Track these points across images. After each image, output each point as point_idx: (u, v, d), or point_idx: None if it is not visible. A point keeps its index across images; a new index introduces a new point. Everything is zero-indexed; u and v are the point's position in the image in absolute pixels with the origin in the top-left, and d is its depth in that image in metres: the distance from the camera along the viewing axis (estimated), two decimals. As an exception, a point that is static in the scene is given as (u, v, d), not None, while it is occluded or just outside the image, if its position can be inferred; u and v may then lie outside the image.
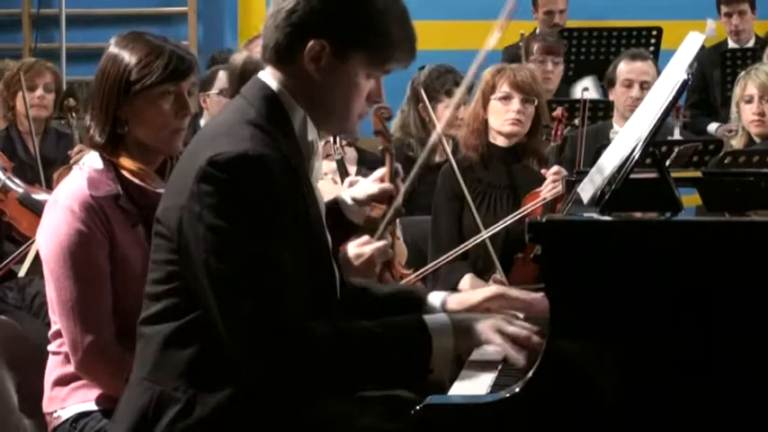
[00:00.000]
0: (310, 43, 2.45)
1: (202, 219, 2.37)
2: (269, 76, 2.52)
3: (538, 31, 7.64)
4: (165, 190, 2.57)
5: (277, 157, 2.40)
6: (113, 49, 2.98)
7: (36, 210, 4.89)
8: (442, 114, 5.24)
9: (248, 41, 3.29)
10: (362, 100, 2.53)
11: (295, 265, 2.39)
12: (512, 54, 7.29)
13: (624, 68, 5.79)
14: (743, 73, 5.62)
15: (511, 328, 2.51)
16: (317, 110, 2.52)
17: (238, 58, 3.40)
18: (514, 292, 2.72)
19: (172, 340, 2.46)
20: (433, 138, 3.70)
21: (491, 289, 2.76)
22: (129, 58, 2.94)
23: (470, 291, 2.83)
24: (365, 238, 3.36)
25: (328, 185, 3.83)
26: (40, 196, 4.92)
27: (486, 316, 2.58)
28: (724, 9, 7.51)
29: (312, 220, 2.48)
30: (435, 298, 2.72)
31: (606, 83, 5.98)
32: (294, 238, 2.40)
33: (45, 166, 5.77)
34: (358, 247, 3.28)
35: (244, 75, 3.29)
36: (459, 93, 3.75)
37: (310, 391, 2.43)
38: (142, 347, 2.53)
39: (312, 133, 2.53)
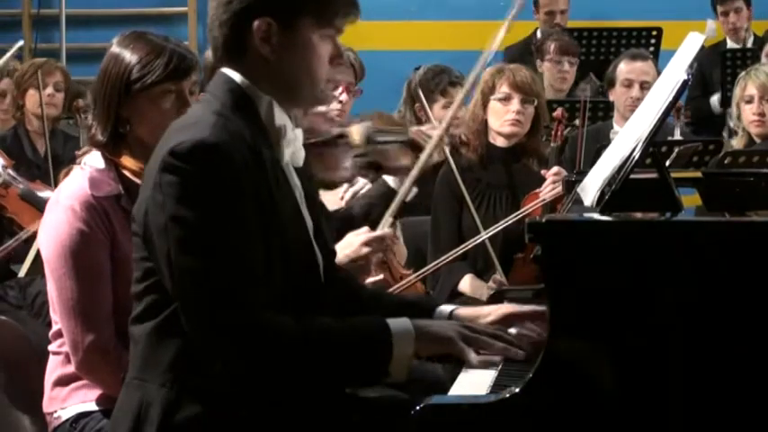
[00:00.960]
0: (256, 24, 2.46)
1: (165, 209, 2.38)
2: (231, 71, 2.53)
3: (539, 31, 7.65)
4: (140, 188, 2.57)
5: (238, 144, 2.40)
6: (115, 48, 2.99)
7: (37, 205, 4.92)
8: (438, 114, 5.24)
9: None
10: (325, 64, 2.53)
11: (260, 252, 2.39)
12: (514, 54, 7.30)
13: (624, 68, 5.78)
14: (743, 73, 5.62)
15: (473, 335, 2.53)
16: (284, 90, 2.52)
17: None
18: (520, 312, 2.72)
19: (155, 337, 2.47)
20: (435, 136, 3.68)
21: (502, 310, 2.75)
22: (130, 57, 2.95)
23: (481, 308, 2.82)
24: (364, 228, 3.35)
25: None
26: (42, 193, 4.95)
27: (448, 323, 2.60)
28: (720, 9, 7.52)
29: (280, 205, 2.47)
30: (444, 310, 2.73)
31: (606, 83, 5.99)
32: (258, 225, 2.40)
33: (53, 166, 5.77)
34: (353, 237, 3.27)
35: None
36: (461, 93, 3.71)
37: (269, 385, 2.42)
38: (132, 348, 2.54)
39: (280, 119, 2.52)
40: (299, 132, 2.59)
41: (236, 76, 2.51)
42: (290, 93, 2.53)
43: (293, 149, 2.57)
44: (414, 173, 3.57)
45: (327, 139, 3.42)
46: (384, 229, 3.39)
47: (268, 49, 2.48)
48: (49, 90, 6.12)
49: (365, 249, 3.25)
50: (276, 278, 2.43)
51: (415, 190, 3.68)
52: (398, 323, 2.46)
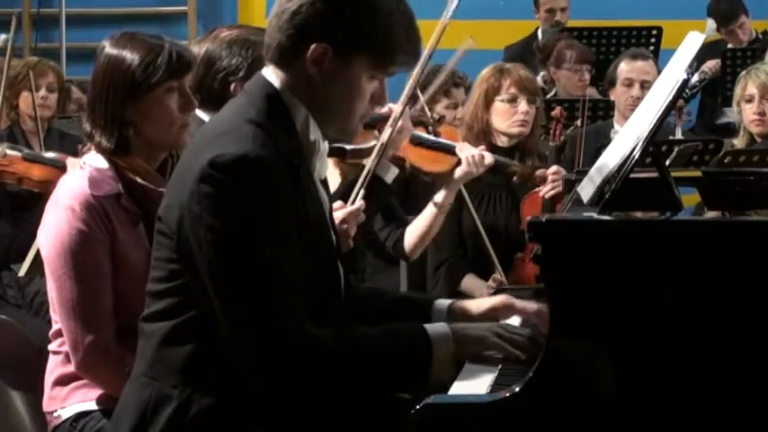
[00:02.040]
0: (313, 46, 2.44)
1: (203, 220, 2.37)
2: (272, 75, 2.51)
3: (540, 30, 7.65)
4: (166, 188, 2.57)
5: (277, 158, 2.39)
6: (110, 51, 2.96)
7: (43, 162, 4.99)
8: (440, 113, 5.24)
9: (205, 35, 3.29)
10: (365, 102, 2.51)
11: (297, 266, 2.39)
12: (514, 53, 7.31)
13: (625, 68, 5.78)
14: (743, 73, 5.62)
15: (507, 334, 2.55)
16: (320, 111, 2.51)
17: (195, 49, 3.40)
18: (519, 303, 2.74)
19: (170, 337, 2.47)
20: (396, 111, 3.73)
21: (498, 299, 2.77)
22: (129, 59, 2.93)
23: (476, 300, 2.84)
24: (338, 203, 3.39)
25: None
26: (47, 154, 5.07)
27: (484, 324, 2.61)
28: (724, 30, 7.51)
29: (313, 220, 2.48)
30: (441, 305, 2.74)
31: (606, 83, 5.98)
32: (295, 240, 2.40)
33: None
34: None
35: (209, 63, 3.32)
36: (405, 94, 3.72)
37: (310, 395, 2.43)
38: (143, 344, 2.54)
39: (314, 133, 2.52)
40: (326, 145, 2.59)
41: (276, 83, 2.50)
42: (324, 116, 2.52)
43: (321, 163, 2.57)
44: (377, 147, 3.63)
45: None
46: (357, 202, 3.44)
47: (315, 71, 2.46)
48: (42, 92, 6.09)
49: (344, 225, 3.33)
50: (307, 291, 2.42)
51: (395, 171, 3.71)
52: (436, 327, 2.49)
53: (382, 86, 2.53)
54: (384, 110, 3.78)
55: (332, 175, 3.93)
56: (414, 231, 4.12)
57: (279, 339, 2.35)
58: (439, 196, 4.02)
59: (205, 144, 2.44)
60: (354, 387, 2.45)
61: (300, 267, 2.40)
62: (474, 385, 2.48)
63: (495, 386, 2.46)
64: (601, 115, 6.18)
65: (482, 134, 4.67)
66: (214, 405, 2.43)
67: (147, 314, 2.53)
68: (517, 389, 2.31)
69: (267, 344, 2.35)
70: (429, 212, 4.05)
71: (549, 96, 6.49)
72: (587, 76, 6.68)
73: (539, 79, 6.68)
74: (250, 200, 2.36)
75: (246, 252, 2.35)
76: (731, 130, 5.99)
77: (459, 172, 4.11)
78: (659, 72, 5.64)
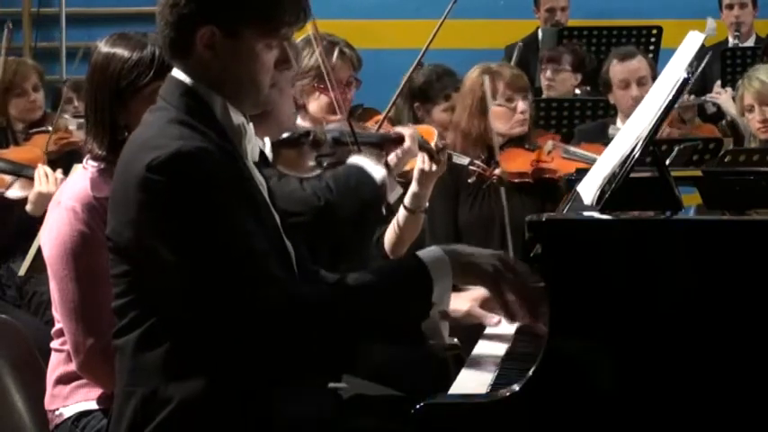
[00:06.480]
0: (200, 32, 2.46)
1: (159, 226, 2.38)
2: (179, 73, 2.53)
3: (540, 30, 7.66)
4: (109, 208, 2.55)
5: (209, 148, 2.40)
6: (97, 56, 2.97)
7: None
8: (438, 117, 5.18)
9: None
10: (269, 71, 2.53)
11: (261, 239, 2.41)
12: (513, 52, 7.31)
13: (618, 69, 5.75)
14: (739, 82, 5.63)
15: (509, 276, 2.48)
16: (230, 92, 2.52)
17: None
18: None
19: (142, 344, 2.47)
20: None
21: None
22: (113, 63, 2.93)
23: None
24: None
25: None
26: None
27: (487, 253, 2.54)
28: (725, 1, 7.52)
29: (257, 201, 2.49)
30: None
31: (602, 86, 5.96)
32: (249, 217, 2.41)
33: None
34: None
35: None
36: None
37: (319, 347, 2.45)
38: (118, 359, 2.54)
39: (237, 118, 2.53)
40: (251, 127, 2.59)
41: (186, 79, 2.51)
42: (235, 96, 2.52)
43: (252, 146, 2.58)
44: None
45: (291, 138, 3.46)
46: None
47: (210, 55, 2.48)
48: (31, 95, 6.06)
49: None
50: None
51: (399, 190, 3.67)
52: (430, 251, 2.45)
53: (283, 50, 2.53)
54: (391, 133, 3.72)
55: None
56: (390, 233, 3.93)
57: (283, 302, 2.36)
58: (407, 198, 3.78)
59: (135, 154, 2.44)
60: (365, 320, 2.43)
61: (263, 241, 2.41)
62: (474, 385, 2.48)
63: (495, 386, 2.46)
64: (600, 115, 6.18)
65: (480, 140, 4.65)
66: (201, 394, 2.42)
67: (116, 330, 2.54)
68: (517, 388, 2.31)
69: (273, 310, 2.36)
70: (401, 215, 3.83)
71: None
72: (550, 74, 6.71)
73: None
74: (197, 191, 2.36)
75: (215, 237, 2.36)
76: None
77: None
78: (650, 65, 5.67)
